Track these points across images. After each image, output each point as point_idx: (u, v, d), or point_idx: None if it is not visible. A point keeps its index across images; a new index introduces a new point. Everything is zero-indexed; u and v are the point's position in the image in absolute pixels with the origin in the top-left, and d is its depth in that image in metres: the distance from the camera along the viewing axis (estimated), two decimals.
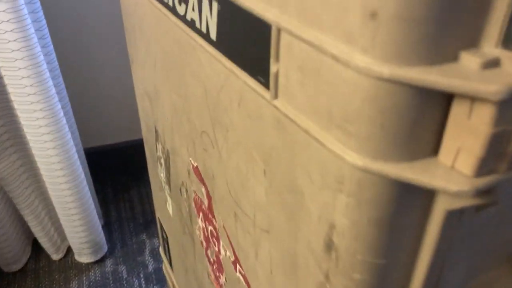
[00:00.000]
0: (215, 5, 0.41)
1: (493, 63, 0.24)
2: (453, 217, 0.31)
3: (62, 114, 1.19)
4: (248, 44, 0.37)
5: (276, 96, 0.36)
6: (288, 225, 0.40)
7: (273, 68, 0.34)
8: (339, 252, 0.34)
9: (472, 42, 0.25)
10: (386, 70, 0.25)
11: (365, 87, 0.26)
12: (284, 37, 0.32)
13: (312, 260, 0.38)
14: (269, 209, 0.43)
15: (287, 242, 0.42)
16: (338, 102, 0.29)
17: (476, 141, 0.26)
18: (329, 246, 0.35)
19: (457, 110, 0.26)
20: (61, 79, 1.32)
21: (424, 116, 0.27)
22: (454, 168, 0.28)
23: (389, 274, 0.34)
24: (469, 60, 0.24)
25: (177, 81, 0.59)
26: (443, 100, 0.26)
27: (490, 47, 0.25)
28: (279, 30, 0.32)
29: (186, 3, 0.48)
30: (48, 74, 1.13)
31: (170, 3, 0.52)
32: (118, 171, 1.92)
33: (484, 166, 0.27)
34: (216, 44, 0.43)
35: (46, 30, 1.23)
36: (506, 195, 0.35)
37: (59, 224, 1.50)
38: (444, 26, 0.24)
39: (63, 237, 1.55)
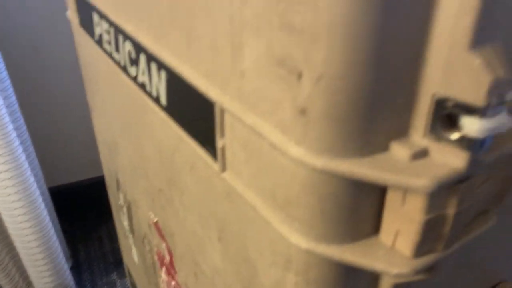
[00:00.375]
0: (163, 73, 0.41)
1: (422, 154, 0.25)
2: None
3: (23, 158, 1.16)
4: (195, 115, 0.38)
5: (224, 168, 0.36)
6: None
7: (219, 143, 0.35)
8: None
9: (402, 132, 0.26)
10: (319, 162, 0.25)
11: (302, 176, 0.27)
12: (228, 117, 0.33)
13: None
14: (225, 275, 0.43)
15: None
16: (280, 186, 0.29)
17: (412, 227, 0.26)
18: None
19: (392, 197, 0.27)
20: (22, 121, 1.29)
21: (361, 203, 0.27)
22: (394, 248, 0.28)
23: None
24: (399, 151, 0.25)
25: (133, 138, 0.59)
26: (378, 188, 0.27)
27: (419, 136, 0.25)
28: (222, 112, 0.33)
29: (137, 66, 0.48)
30: (8, 118, 1.11)
31: (122, 63, 0.52)
32: (86, 208, 1.87)
33: (422, 248, 0.27)
34: (167, 109, 0.43)
35: (5, 73, 1.21)
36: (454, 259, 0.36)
37: (24, 269, 1.45)
38: (372, 121, 0.24)
39: (28, 282, 1.49)
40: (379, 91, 0.23)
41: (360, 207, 0.27)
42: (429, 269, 0.28)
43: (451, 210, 0.26)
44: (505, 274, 0.45)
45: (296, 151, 0.26)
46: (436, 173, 0.24)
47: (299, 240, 0.29)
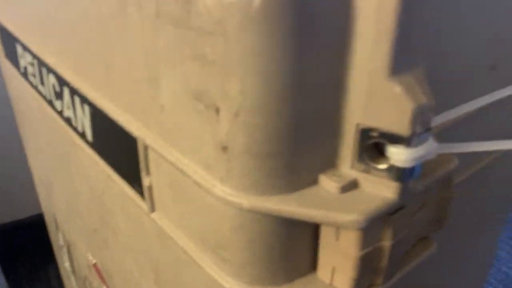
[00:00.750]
0: (87, 108, 0.39)
1: (351, 186, 0.24)
2: None
3: None
4: (121, 151, 0.35)
5: (153, 209, 0.33)
6: None
7: (145, 181, 0.32)
8: None
9: (330, 164, 0.24)
10: (245, 201, 0.23)
11: (230, 216, 0.25)
12: (152, 153, 0.30)
13: None
14: None
15: None
16: (209, 227, 0.27)
17: (347, 263, 0.25)
18: None
19: (325, 233, 0.25)
20: None
21: (294, 241, 0.25)
22: (332, 285, 0.27)
23: None
24: (327, 184, 0.24)
25: (65, 175, 0.55)
26: (310, 224, 0.25)
27: (347, 168, 0.24)
28: (145, 148, 0.31)
29: (62, 100, 0.45)
30: None
31: (48, 97, 0.49)
32: (32, 247, 1.76)
33: (360, 283, 0.26)
34: (93, 146, 0.40)
35: None
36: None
37: None
38: (297, 155, 0.23)
39: None
40: (301, 124, 0.22)
41: (293, 246, 0.26)
42: None
43: (387, 242, 0.25)
44: None
45: (221, 189, 0.24)
46: (366, 207, 0.23)
47: (231, 284, 0.27)
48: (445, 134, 0.27)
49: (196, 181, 0.26)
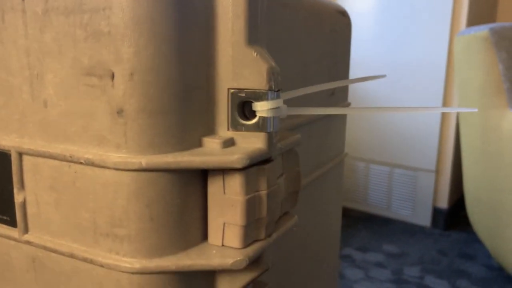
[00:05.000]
0: None
1: (230, 143, 0.30)
2: None
3: None
4: None
5: (26, 230, 0.33)
6: None
7: (18, 197, 0.32)
8: None
9: (210, 130, 0.30)
10: (143, 160, 0.27)
11: (127, 183, 0.28)
12: (28, 160, 0.31)
13: None
14: None
15: None
16: (102, 208, 0.29)
17: (235, 211, 0.30)
18: None
19: (213, 189, 0.30)
20: None
21: (188, 201, 0.29)
22: (224, 246, 0.31)
23: None
24: (211, 143, 0.29)
25: None
26: (200, 182, 0.30)
27: (224, 131, 0.30)
28: (20, 155, 0.32)
29: None
30: None
31: None
32: None
33: (248, 236, 0.31)
34: None
35: None
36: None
37: None
38: (184, 116, 0.28)
39: None
40: (185, 85, 0.28)
41: (187, 208, 0.29)
42: (259, 261, 0.31)
43: (263, 192, 0.31)
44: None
45: (118, 156, 0.27)
46: (245, 151, 0.29)
47: (131, 262, 0.29)
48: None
49: (89, 160, 0.28)
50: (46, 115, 0.30)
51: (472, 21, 1.43)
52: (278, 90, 0.31)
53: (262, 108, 0.29)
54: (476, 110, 0.37)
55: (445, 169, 1.54)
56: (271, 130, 0.30)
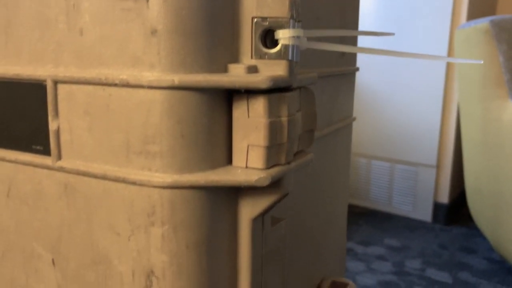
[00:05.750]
0: None
1: (253, 69, 0.32)
2: (256, 227, 0.35)
3: None
4: (16, 117, 0.36)
5: (59, 156, 0.35)
6: None
7: (53, 125, 0.34)
8: None
9: (234, 58, 0.33)
10: (176, 78, 0.29)
11: (160, 101, 0.30)
12: (63, 89, 0.34)
13: None
14: None
15: None
16: (135, 127, 0.31)
17: (259, 133, 0.32)
18: None
19: (238, 113, 0.32)
20: None
21: (214, 123, 0.32)
22: (248, 168, 0.33)
23: None
24: (236, 69, 0.32)
25: None
26: (226, 106, 0.32)
27: (248, 59, 0.33)
28: (55, 83, 0.34)
29: None
30: None
31: None
32: None
33: (270, 158, 0.33)
34: None
35: None
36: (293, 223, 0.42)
37: None
38: (212, 40, 0.31)
39: None
40: (213, 10, 0.30)
41: (214, 129, 0.32)
42: (280, 183, 0.34)
43: (284, 118, 0.33)
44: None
45: (151, 74, 0.30)
46: (269, 75, 0.31)
47: (162, 177, 0.31)
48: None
49: (123, 80, 0.31)
50: (81, 43, 0.32)
51: (473, 15, 1.46)
52: (299, 21, 0.33)
53: (284, 35, 0.32)
54: (481, 62, 0.39)
55: (446, 164, 1.57)
56: (292, 58, 0.33)
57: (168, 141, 0.31)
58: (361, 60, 1.61)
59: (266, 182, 0.32)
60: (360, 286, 1.29)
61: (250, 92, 0.32)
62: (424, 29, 1.48)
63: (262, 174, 0.32)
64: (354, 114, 1.66)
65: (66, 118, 0.34)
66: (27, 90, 0.35)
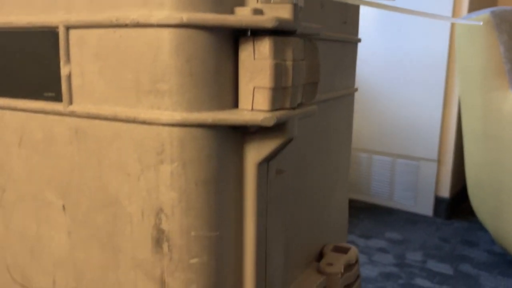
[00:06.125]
0: None
1: (259, 11, 0.33)
2: (262, 172, 0.36)
3: None
4: (28, 65, 0.37)
5: (71, 101, 0.36)
6: (103, 258, 0.37)
7: (64, 70, 0.35)
8: (171, 241, 0.34)
9: (240, 1, 0.34)
10: (184, 15, 0.31)
11: (169, 39, 0.31)
12: (74, 34, 0.35)
13: (141, 273, 0.35)
14: (75, 256, 0.38)
15: (103, 283, 0.37)
16: (145, 66, 0.32)
17: (265, 74, 0.33)
18: (159, 240, 0.34)
19: (244, 55, 0.33)
20: None
21: (221, 63, 0.33)
22: (254, 110, 0.34)
23: (224, 250, 0.35)
24: (242, 11, 0.33)
25: None
26: (232, 49, 0.33)
27: (254, 3, 0.34)
28: (67, 29, 0.35)
29: None
30: None
31: None
32: None
33: (275, 101, 0.34)
34: None
35: None
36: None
37: None
38: None
39: None
40: None
41: (221, 69, 0.33)
42: (283, 124, 0.35)
43: (289, 62, 0.34)
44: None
45: (161, 13, 0.31)
46: (274, 16, 0.32)
47: (172, 115, 0.32)
48: None
49: (134, 20, 0.32)
50: None
51: (474, 8, 1.48)
52: None
53: None
54: (481, 23, 0.40)
55: (447, 158, 1.57)
56: (297, 2, 0.34)
57: (177, 79, 0.32)
58: (362, 54, 1.62)
59: (271, 122, 0.33)
60: (361, 278, 1.30)
61: (256, 35, 0.33)
62: (425, 24, 1.50)
63: (268, 115, 0.33)
64: (355, 108, 1.67)
65: (78, 63, 0.35)
66: (39, 38, 0.36)
